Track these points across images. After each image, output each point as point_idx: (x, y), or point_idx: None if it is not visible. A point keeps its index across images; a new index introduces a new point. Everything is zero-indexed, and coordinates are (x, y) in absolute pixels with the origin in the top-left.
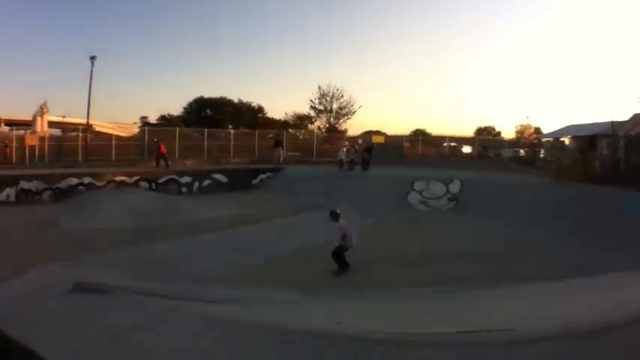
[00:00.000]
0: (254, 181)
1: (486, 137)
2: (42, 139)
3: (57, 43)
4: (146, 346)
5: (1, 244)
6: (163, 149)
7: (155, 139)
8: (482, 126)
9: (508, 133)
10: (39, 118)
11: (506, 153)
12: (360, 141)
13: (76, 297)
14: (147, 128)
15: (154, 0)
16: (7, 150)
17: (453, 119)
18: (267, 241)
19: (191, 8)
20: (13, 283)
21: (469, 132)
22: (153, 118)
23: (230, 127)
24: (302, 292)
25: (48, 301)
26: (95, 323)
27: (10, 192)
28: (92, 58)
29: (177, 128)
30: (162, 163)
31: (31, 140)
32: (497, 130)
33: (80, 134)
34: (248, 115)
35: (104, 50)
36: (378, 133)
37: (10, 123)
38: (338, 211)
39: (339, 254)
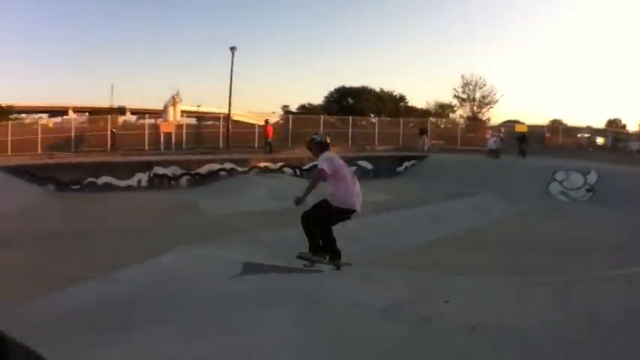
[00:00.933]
0: (399, 169)
1: (616, 129)
2: (178, 126)
3: (191, 34)
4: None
5: (137, 226)
6: (270, 133)
7: (266, 120)
8: (612, 118)
9: (632, 127)
10: (171, 107)
11: (634, 145)
12: (502, 130)
13: (253, 278)
14: (291, 116)
15: None
16: (115, 137)
17: (584, 110)
18: (417, 226)
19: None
20: (151, 264)
21: (599, 124)
22: (292, 108)
23: (372, 115)
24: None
25: (222, 282)
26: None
27: (142, 177)
28: (232, 48)
29: (322, 116)
30: (267, 148)
31: (166, 127)
32: (622, 122)
33: (221, 122)
34: (390, 104)
35: (242, 40)
36: (517, 122)
37: (137, 112)
38: (320, 138)
39: (319, 217)
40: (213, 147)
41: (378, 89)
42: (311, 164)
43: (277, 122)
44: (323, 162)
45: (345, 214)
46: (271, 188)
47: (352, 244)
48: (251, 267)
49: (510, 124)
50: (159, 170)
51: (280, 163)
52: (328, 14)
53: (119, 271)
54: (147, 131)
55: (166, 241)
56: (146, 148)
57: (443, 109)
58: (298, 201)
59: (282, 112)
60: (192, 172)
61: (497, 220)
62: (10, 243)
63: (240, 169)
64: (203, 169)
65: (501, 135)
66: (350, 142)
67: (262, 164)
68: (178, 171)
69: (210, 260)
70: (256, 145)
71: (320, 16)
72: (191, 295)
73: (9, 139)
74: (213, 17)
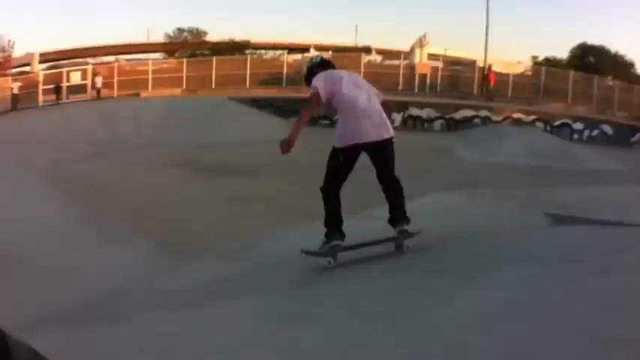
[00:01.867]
0: (632, 139)
1: None
2: (434, 68)
3: None
4: None
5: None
6: (493, 81)
7: (489, 66)
8: None
9: None
10: (418, 49)
11: None
12: None
13: (563, 230)
14: (543, 68)
15: None
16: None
17: None
18: None
19: None
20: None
21: None
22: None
23: (609, 77)
24: None
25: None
26: None
27: (395, 117)
28: None
29: (571, 72)
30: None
31: (422, 69)
32: None
33: (476, 68)
34: (624, 70)
35: None
36: None
37: (383, 52)
38: (317, 60)
39: (327, 176)
40: (468, 92)
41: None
42: (560, 122)
43: (522, 73)
44: (319, 80)
45: (355, 152)
46: (524, 142)
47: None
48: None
49: None
50: (413, 112)
51: (532, 117)
52: None
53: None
54: (401, 71)
55: (424, 184)
56: (399, 87)
57: None
58: (282, 145)
59: (529, 63)
60: (447, 117)
61: None
62: (258, 172)
63: (494, 117)
64: (458, 115)
65: None
66: (595, 103)
67: (516, 115)
68: (433, 114)
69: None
70: (509, 95)
71: None
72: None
73: (247, 72)
74: None
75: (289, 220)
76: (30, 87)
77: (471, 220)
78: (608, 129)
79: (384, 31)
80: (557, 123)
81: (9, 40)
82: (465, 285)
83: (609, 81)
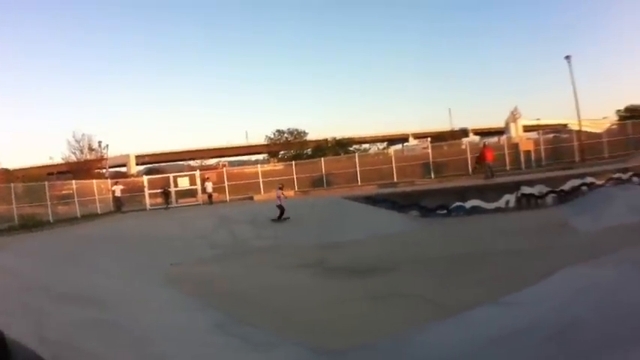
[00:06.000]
0: None
1: None
2: (536, 142)
3: (514, 48)
4: None
5: (516, 248)
6: (489, 157)
7: (484, 143)
8: None
9: None
10: (512, 124)
11: None
12: None
13: None
14: (629, 122)
15: None
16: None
17: None
18: None
19: None
20: (550, 285)
21: None
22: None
23: None
24: None
25: None
26: None
27: (509, 198)
28: (567, 57)
29: None
30: (488, 172)
31: (526, 145)
32: None
33: (574, 135)
34: None
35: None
36: None
37: (480, 132)
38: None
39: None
40: (570, 161)
41: None
42: None
43: (610, 128)
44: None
45: None
46: (628, 199)
47: None
48: None
49: None
50: (526, 190)
51: (630, 173)
52: None
53: (512, 294)
54: (507, 151)
55: (552, 261)
56: (507, 167)
57: None
58: None
59: (616, 118)
60: (557, 190)
61: None
62: (393, 269)
63: (597, 182)
64: (566, 186)
65: None
66: None
67: (616, 175)
68: (544, 189)
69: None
70: (606, 155)
71: None
72: None
73: (357, 169)
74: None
75: (429, 315)
76: (132, 190)
77: (614, 293)
78: None
79: (475, 110)
80: None
81: (100, 142)
82: None
83: None
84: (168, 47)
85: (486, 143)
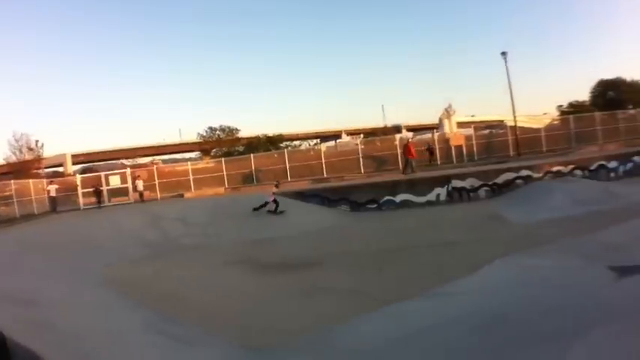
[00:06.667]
0: None
1: None
2: (468, 138)
3: (451, 44)
4: None
5: (448, 240)
6: (412, 152)
7: (407, 140)
8: None
9: None
10: (446, 120)
11: None
12: None
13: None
14: (571, 116)
15: None
16: (432, 151)
17: None
18: None
19: None
20: (479, 277)
21: None
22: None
23: (630, 106)
24: None
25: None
26: None
27: (440, 191)
28: (503, 54)
29: (596, 113)
30: (409, 168)
31: (456, 140)
32: None
33: (508, 130)
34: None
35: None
36: None
37: (413, 129)
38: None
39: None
40: (504, 155)
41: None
42: (597, 164)
43: (551, 123)
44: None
45: None
46: (568, 192)
47: None
48: (623, 269)
49: None
50: (457, 183)
51: (571, 166)
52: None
53: (442, 286)
54: (437, 146)
55: (483, 252)
56: (438, 162)
57: None
58: None
59: (555, 114)
60: (490, 183)
61: None
62: (322, 263)
63: (535, 175)
64: (500, 179)
65: None
66: (622, 137)
67: (555, 168)
68: (476, 182)
69: (558, 269)
70: (544, 150)
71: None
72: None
73: (287, 165)
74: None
75: (359, 308)
76: (67, 190)
77: (543, 284)
78: (639, 159)
79: (409, 107)
80: (593, 167)
81: (37, 141)
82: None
83: (631, 110)
84: (101, 45)
85: (410, 140)
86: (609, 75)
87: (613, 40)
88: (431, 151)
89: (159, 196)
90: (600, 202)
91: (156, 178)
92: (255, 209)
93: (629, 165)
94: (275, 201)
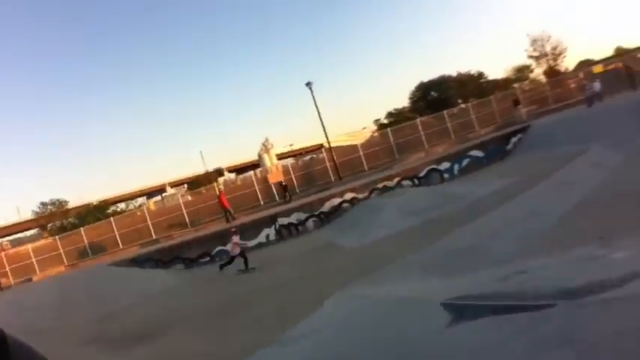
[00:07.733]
0: (507, 147)
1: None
2: (286, 172)
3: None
4: None
5: (284, 280)
6: (224, 203)
7: (219, 189)
8: None
9: None
10: (265, 155)
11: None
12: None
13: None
14: (389, 129)
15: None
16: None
17: None
18: (546, 204)
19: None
20: (326, 311)
21: None
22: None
23: (459, 101)
24: None
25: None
26: None
27: (269, 232)
28: (308, 84)
29: (419, 119)
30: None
31: (275, 177)
32: None
33: (325, 154)
34: (471, 85)
35: (314, 71)
36: (591, 62)
37: (235, 169)
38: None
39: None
40: (326, 182)
41: (454, 74)
42: (427, 169)
43: (372, 137)
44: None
45: None
46: (397, 206)
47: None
48: (456, 309)
49: (584, 66)
50: (283, 221)
51: (397, 179)
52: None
53: (287, 331)
54: (257, 186)
55: (322, 286)
56: (261, 202)
57: (522, 72)
58: None
59: (374, 127)
60: (316, 213)
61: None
62: (166, 331)
63: (360, 196)
64: (325, 207)
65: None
66: (452, 135)
67: (380, 184)
68: (302, 216)
69: (394, 304)
70: (366, 168)
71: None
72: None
73: (116, 233)
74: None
75: None
76: None
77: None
78: (477, 152)
79: (229, 148)
80: (422, 173)
81: None
82: None
83: (462, 105)
84: None
85: (220, 190)
86: (435, 75)
87: (435, 40)
88: (284, 186)
89: (12, 282)
90: (436, 207)
91: (6, 265)
92: (222, 267)
93: (465, 161)
94: (242, 254)
